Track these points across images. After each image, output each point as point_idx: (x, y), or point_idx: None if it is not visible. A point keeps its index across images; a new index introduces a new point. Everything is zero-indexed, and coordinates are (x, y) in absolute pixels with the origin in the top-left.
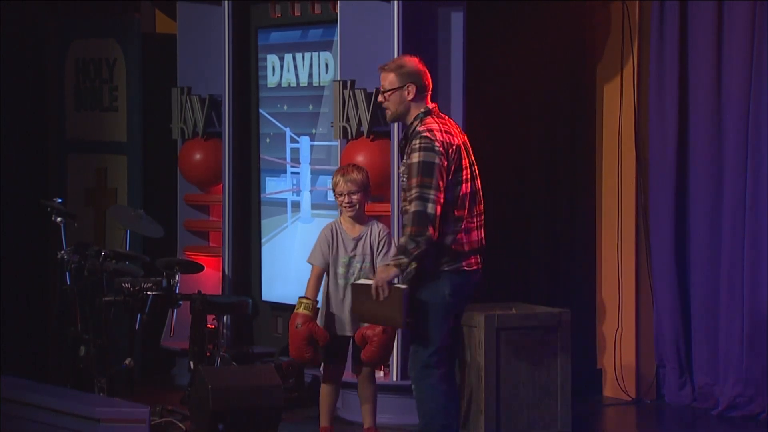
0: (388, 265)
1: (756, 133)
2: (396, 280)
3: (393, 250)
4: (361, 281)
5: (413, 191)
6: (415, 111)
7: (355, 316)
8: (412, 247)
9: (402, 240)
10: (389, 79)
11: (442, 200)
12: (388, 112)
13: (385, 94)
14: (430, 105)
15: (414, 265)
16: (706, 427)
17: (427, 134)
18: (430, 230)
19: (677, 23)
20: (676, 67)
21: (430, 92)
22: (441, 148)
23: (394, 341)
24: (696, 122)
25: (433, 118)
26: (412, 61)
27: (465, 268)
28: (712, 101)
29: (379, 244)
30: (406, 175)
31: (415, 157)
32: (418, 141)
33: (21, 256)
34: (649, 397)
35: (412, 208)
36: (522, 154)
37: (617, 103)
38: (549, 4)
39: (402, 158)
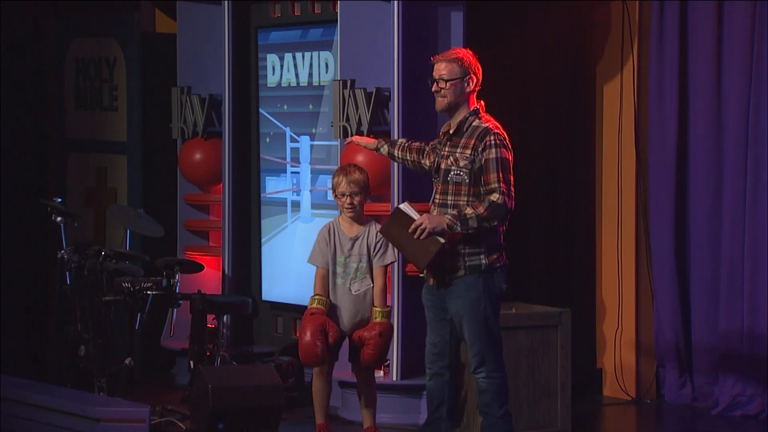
0: (442, 216)
1: (756, 133)
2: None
3: (389, 251)
4: (409, 210)
5: (495, 184)
6: (468, 105)
7: (384, 234)
8: (473, 226)
9: (469, 212)
10: (450, 69)
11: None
12: (444, 101)
13: (447, 83)
14: (478, 103)
15: (458, 228)
16: (706, 427)
17: (498, 131)
18: (497, 224)
19: (677, 23)
20: (676, 67)
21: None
22: (510, 146)
23: (390, 343)
24: (696, 122)
25: (487, 115)
26: (470, 54)
27: (507, 262)
28: (712, 101)
29: (375, 245)
30: (466, 170)
31: (494, 153)
32: (492, 137)
33: (21, 256)
34: (649, 396)
35: (493, 198)
36: (522, 153)
37: (617, 103)
38: (548, 3)
39: (446, 148)
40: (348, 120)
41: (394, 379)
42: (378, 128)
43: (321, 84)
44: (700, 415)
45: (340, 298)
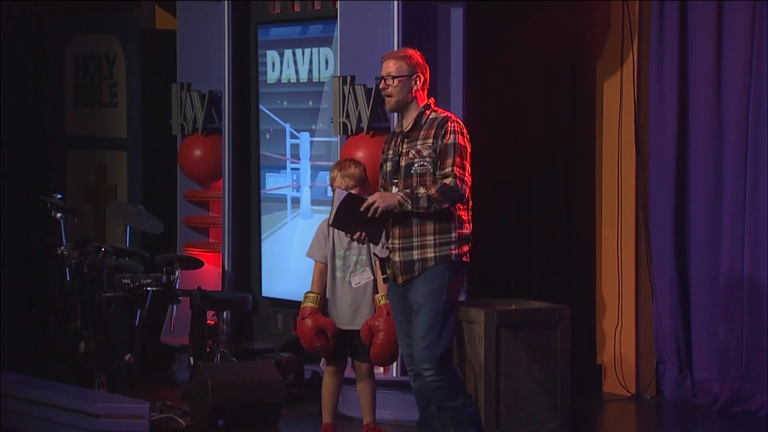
0: (394, 194)
1: (756, 129)
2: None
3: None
4: (357, 195)
5: (449, 169)
6: (419, 101)
7: (335, 225)
8: (423, 205)
9: (421, 191)
10: (397, 67)
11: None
12: (392, 100)
13: (394, 80)
14: (429, 99)
15: (409, 206)
16: (706, 423)
17: (456, 119)
18: (447, 206)
19: (677, 22)
20: (675, 65)
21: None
22: (468, 136)
23: None
24: (696, 119)
25: (440, 108)
26: (417, 54)
27: (469, 260)
28: (712, 98)
29: None
30: (430, 158)
31: (452, 139)
32: (452, 125)
33: (21, 252)
34: (649, 392)
35: (447, 181)
36: (522, 150)
37: (617, 99)
38: (549, 2)
39: (404, 145)
40: (348, 116)
41: (394, 375)
42: (378, 124)
43: (321, 80)
44: (700, 412)
45: (340, 292)
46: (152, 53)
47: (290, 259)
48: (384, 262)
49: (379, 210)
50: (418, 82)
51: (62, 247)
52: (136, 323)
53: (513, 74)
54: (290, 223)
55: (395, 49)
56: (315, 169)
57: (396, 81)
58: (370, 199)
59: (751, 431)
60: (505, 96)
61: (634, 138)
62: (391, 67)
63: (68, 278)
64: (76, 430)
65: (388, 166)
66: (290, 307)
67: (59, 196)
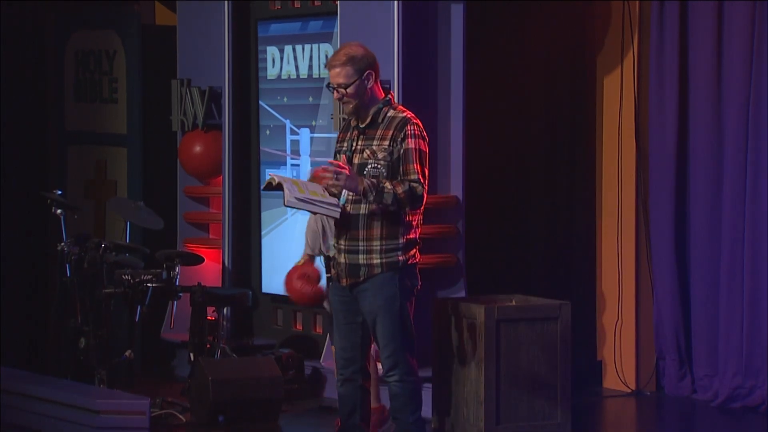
0: (362, 179)
1: (756, 129)
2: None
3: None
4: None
5: (414, 176)
6: (377, 96)
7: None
8: (386, 202)
9: (387, 186)
10: (345, 73)
11: None
12: (350, 106)
13: (347, 90)
14: (389, 93)
15: (371, 198)
16: (706, 419)
17: (416, 121)
18: (408, 211)
19: (677, 22)
20: (675, 65)
21: None
22: (427, 138)
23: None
24: (696, 118)
25: (400, 105)
26: (360, 48)
27: (420, 259)
28: (711, 98)
29: None
30: (385, 162)
31: (413, 143)
32: (412, 128)
33: (21, 248)
34: (649, 388)
35: (414, 185)
36: (522, 146)
37: (617, 97)
38: (549, 0)
39: (358, 142)
40: None
41: None
42: None
43: (321, 76)
44: (700, 407)
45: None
46: (152, 49)
47: (290, 255)
48: (329, 261)
49: (340, 186)
50: (371, 79)
51: (62, 243)
52: (137, 319)
53: (513, 73)
54: (290, 219)
55: (395, 47)
56: (315, 165)
57: (351, 89)
58: (340, 173)
59: (751, 427)
60: (505, 94)
61: (635, 136)
62: (338, 76)
63: (68, 274)
64: (77, 426)
65: (341, 158)
66: (290, 303)
67: (59, 192)
